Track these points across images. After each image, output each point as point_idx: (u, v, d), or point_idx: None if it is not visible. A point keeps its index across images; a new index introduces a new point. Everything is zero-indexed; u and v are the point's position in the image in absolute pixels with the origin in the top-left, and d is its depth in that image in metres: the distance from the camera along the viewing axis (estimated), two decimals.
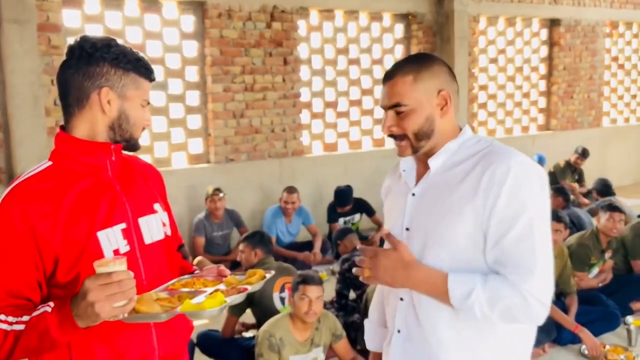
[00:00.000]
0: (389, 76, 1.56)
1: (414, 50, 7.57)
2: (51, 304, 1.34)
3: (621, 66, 10.13)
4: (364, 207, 6.27)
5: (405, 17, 7.59)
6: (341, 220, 6.17)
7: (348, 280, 4.11)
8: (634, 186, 9.04)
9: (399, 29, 7.60)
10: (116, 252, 1.47)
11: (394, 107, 1.53)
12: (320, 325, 3.24)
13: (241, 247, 4.00)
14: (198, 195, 5.91)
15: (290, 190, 5.83)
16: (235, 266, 5.12)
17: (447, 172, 1.52)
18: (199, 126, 6.27)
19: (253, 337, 3.66)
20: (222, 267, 1.68)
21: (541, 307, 1.41)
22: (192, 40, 6.12)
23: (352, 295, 4.18)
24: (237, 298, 1.48)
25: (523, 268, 1.40)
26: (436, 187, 1.53)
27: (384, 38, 7.48)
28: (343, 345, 3.34)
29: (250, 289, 1.54)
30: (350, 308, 4.10)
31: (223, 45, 6.16)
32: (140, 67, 1.52)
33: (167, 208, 1.71)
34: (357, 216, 6.25)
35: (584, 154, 7.84)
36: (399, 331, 1.60)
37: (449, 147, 1.54)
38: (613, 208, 4.47)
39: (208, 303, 1.38)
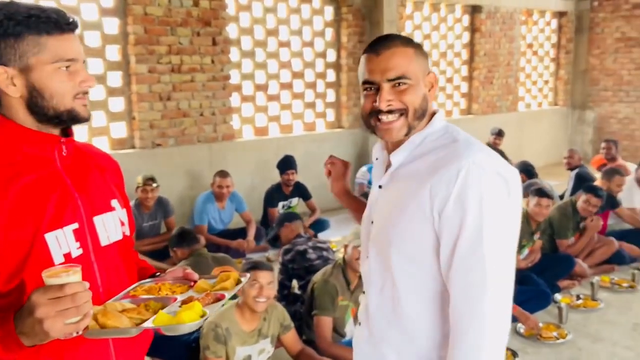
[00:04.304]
0: (385, 45, 1.38)
1: (344, 33, 7.50)
2: None
3: (535, 53, 10.60)
4: (302, 190, 6.19)
5: (335, 0, 7.49)
6: (280, 204, 6.05)
7: (291, 271, 4.03)
8: (546, 167, 9.53)
9: (329, 11, 7.50)
10: (67, 256, 1.28)
11: (396, 80, 1.37)
12: (269, 315, 3.15)
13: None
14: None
15: (223, 174, 5.63)
16: (167, 255, 4.87)
17: (409, 165, 1.44)
18: (122, 109, 5.90)
19: (193, 332, 3.50)
20: (189, 270, 1.53)
21: (496, 324, 1.31)
22: (113, 17, 5.72)
23: (294, 284, 4.10)
24: (216, 307, 1.34)
25: (472, 287, 1.29)
26: (397, 180, 1.45)
27: (314, 20, 7.35)
28: (291, 336, 3.26)
29: (228, 295, 1.40)
30: (292, 298, 4.02)
31: (147, 23, 5.81)
32: (37, 23, 1.24)
33: (125, 204, 1.51)
34: (295, 200, 6.15)
35: (499, 133, 8.25)
36: (359, 324, 1.60)
37: (413, 141, 1.44)
38: (541, 194, 4.62)
39: (187, 315, 1.23)
